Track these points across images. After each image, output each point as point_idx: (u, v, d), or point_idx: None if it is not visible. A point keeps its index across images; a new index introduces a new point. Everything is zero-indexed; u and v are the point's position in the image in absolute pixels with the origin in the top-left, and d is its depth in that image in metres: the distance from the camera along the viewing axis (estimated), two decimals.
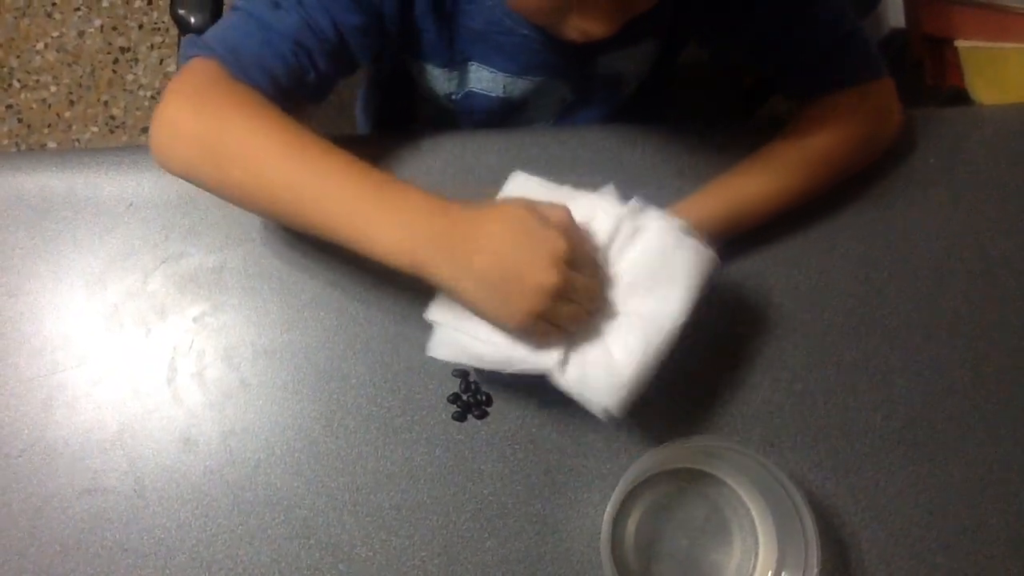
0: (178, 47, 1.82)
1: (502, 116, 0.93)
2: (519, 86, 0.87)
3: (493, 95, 0.88)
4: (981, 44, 1.27)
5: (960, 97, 1.26)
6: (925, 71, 1.31)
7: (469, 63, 0.85)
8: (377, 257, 0.65)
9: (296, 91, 0.73)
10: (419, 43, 0.83)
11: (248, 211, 0.73)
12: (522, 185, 0.73)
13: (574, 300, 0.64)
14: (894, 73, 0.86)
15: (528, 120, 0.96)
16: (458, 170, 0.85)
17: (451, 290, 0.65)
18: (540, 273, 0.62)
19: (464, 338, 0.68)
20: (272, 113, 0.68)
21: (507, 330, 0.66)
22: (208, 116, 0.68)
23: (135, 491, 0.75)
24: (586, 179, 0.85)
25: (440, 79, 0.88)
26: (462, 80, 0.88)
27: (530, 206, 0.64)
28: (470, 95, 0.90)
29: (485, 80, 0.87)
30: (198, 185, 0.71)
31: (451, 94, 0.90)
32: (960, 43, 1.27)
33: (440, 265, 0.63)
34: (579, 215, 0.67)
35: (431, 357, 0.78)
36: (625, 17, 0.68)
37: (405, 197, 0.65)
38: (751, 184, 0.82)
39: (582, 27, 0.69)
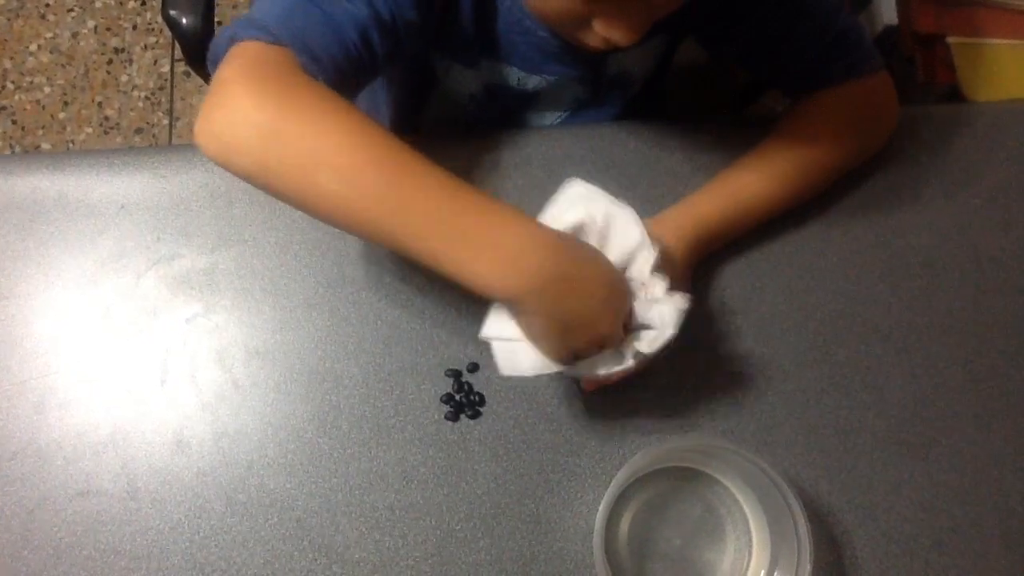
0: (173, 50, 1.81)
1: (514, 112, 0.93)
2: (532, 82, 0.87)
3: (505, 87, 0.89)
4: (973, 41, 1.27)
5: (953, 94, 1.26)
6: (917, 68, 1.31)
7: (492, 61, 0.86)
8: (470, 286, 0.61)
9: (353, 81, 0.69)
10: (454, 42, 0.83)
11: (322, 221, 0.65)
12: (579, 193, 0.71)
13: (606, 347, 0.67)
14: (886, 70, 0.86)
15: (540, 117, 0.96)
16: (455, 169, 0.85)
17: (535, 327, 0.64)
18: (606, 327, 0.65)
19: (528, 349, 0.67)
20: (363, 119, 0.62)
21: (544, 353, 0.66)
22: (290, 113, 0.60)
23: (128, 493, 0.75)
24: (582, 178, 0.86)
25: (466, 79, 0.88)
26: (483, 79, 0.88)
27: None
28: (487, 91, 0.90)
29: (499, 75, 0.87)
30: (263, 187, 0.63)
31: (471, 92, 0.90)
32: (952, 40, 1.27)
33: (535, 302, 0.62)
34: (625, 246, 0.69)
35: (424, 358, 0.79)
36: (647, 25, 0.68)
37: (506, 227, 0.61)
38: (751, 182, 0.82)
39: (605, 35, 0.68)
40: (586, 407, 0.79)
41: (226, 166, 0.62)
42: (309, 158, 0.60)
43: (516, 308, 0.64)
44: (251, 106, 0.60)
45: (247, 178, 0.63)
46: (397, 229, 0.61)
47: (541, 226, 0.63)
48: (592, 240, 0.69)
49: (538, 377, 0.69)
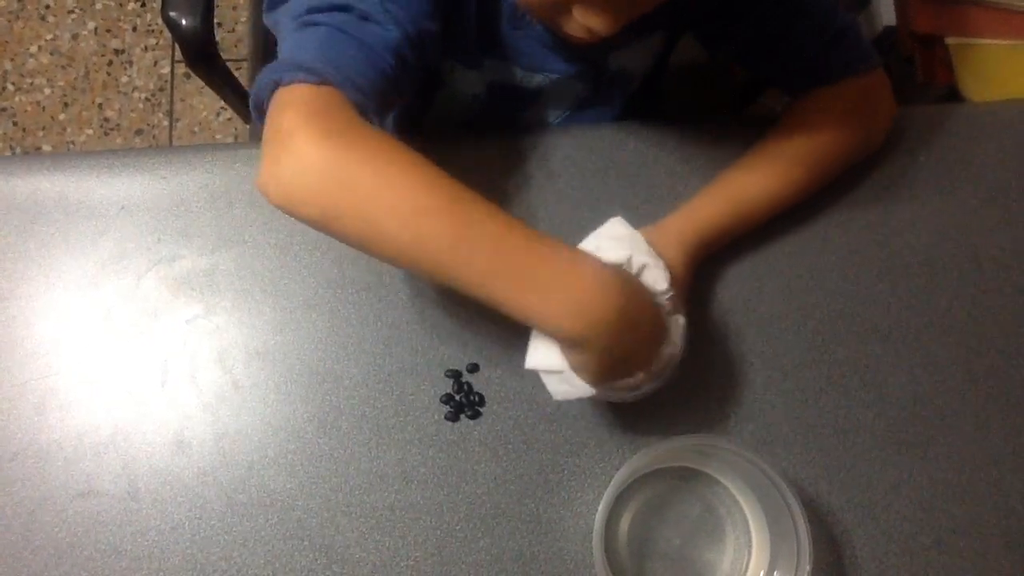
0: (173, 51, 1.82)
1: (517, 111, 0.94)
2: (535, 80, 0.88)
3: (508, 86, 0.89)
4: (972, 41, 1.27)
5: (951, 94, 1.26)
6: (916, 68, 1.31)
7: (489, 60, 0.86)
8: (541, 328, 0.65)
9: (393, 100, 0.70)
10: (458, 44, 0.83)
11: (387, 263, 0.69)
12: (622, 234, 0.73)
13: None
14: (885, 71, 0.87)
15: (541, 116, 0.96)
16: (453, 171, 0.85)
17: (586, 357, 0.65)
18: (645, 363, 0.68)
19: (570, 376, 0.68)
20: (425, 164, 0.62)
21: (583, 378, 0.67)
22: (355, 161, 0.60)
23: (129, 494, 0.75)
24: (580, 181, 0.86)
25: (467, 79, 0.88)
26: (485, 78, 0.88)
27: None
28: (489, 91, 0.90)
29: (503, 74, 0.87)
30: (327, 233, 0.63)
31: (474, 93, 0.90)
32: (951, 40, 1.27)
33: (599, 340, 0.63)
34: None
35: (424, 359, 0.79)
36: (628, 16, 0.67)
37: (573, 269, 0.63)
38: (753, 182, 0.82)
39: (584, 23, 0.68)
40: (586, 408, 0.79)
41: (292, 214, 0.62)
42: (375, 206, 0.60)
43: (581, 346, 0.64)
44: (317, 155, 0.60)
45: (313, 224, 0.63)
46: (463, 275, 0.62)
47: (604, 266, 0.66)
48: None
49: (538, 377, 0.69)
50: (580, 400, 0.77)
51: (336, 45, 0.65)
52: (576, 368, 0.66)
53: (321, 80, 0.63)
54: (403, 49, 0.67)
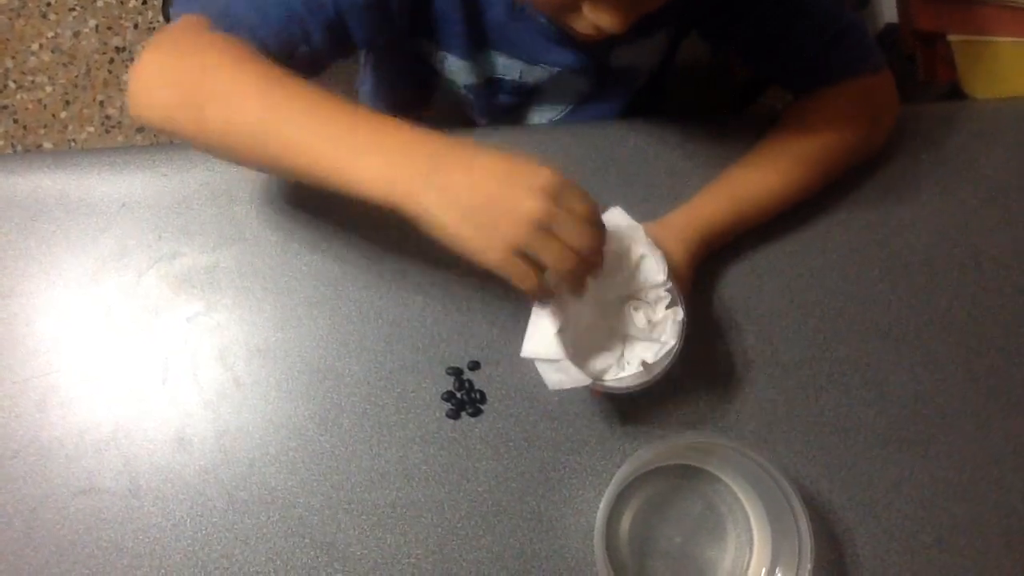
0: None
1: (516, 104, 0.93)
2: (535, 74, 0.87)
3: (508, 79, 0.89)
4: (974, 38, 1.27)
5: (953, 91, 1.26)
6: (918, 66, 1.31)
7: (488, 52, 0.86)
8: (358, 191, 0.62)
9: (285, 62, 0.69)
10: (442, 34, 0.83)
11: (228, 158, 0.70)
12: (622, 224, 0.73)
13: (560, 237, 0.60)
14: (888, 68, 0.87)
15: (543, 112, 0.96)
16: None
17: (434, 222, 0.60)
18: (524, 199, 0.59)
19: (568, 365, 0.67)
20: (249, 53, 0.67)
21: (490, 265, 0.61)
22: (187, 59, 0.67)
23: (130, 491, 0.75)
24: (581, 177, 0.85)
25: (461, 70, 0.88)
26: (481, 70, 0.88)
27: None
28: (488, 83, 0.90)
29: (502, 66, 0.87)
30: (177, 134, 0.68)
31: (470, 84, 0.90)
32: (953, 37, 1.27)
33: (423, 193, 0.60)
34: (648, 281, 0.72)
35: (425, 356, 0.79)
36: (637, 14, 0.67)
37: (385, 128, 0.63)
38: (755, 180, 0.82)
39: (594, 20, 0.68)
40: (587, 406, 0.79)
41: (144, 122, 0.69)
42: (196, 94, 0.66)
43: (415, 208, 0.61)
44: (149, 62, 0.68)
45: (161, 128, 0.69)
46: (288, 151, 0.64)
47: (419, 127, 0.63)
48: (621, 271, 0.72)
49: (539, 374, 0.69)
50: (581, 398, 0.78)
51: None
52: (454, 242, 0.61)
53: (200, 10, 0.69)
54: (298, 5, 0.70)
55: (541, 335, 0.67)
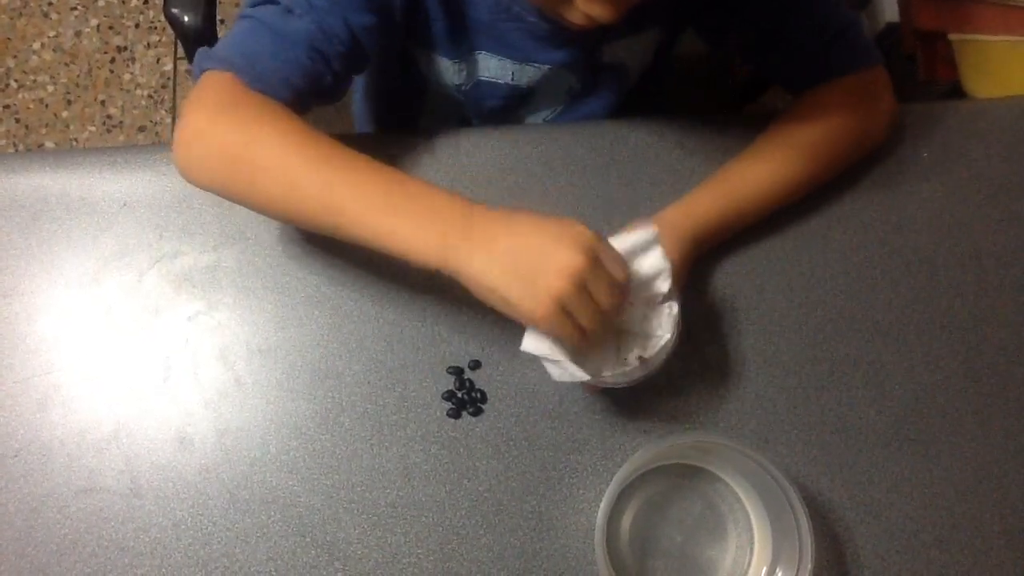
0: (175, 48, 1.82)
1: (509, 106, 0.93)
2: (527, 73, 0.87)
3: (501, 82, 0.89)
4: (974, 37, 1.27)
5: (954, 91, 1.26)
6: (918, 65, 1.31)
7: (477, 53, 0.86)
8: (408, 257, 0.65)
9: (314, 95, 0.74)
10: (429, 34, 0.83)
11: (277, 220, 0.76)
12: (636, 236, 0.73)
13: (595, 298, 0.63)
14: (888, 68, 0.86)
15: (535, 111, 0.96)
16: (452, 167, 0.85)
17: (480, 283, 0.63)
18: (566, 253, 0.62)
19: (565, 364, 0.68)
20: (295, 124, 0.70)
21: (536, 322, 0.64)
22: (234, 129, 0.69)
23: (131, 490, 0.75)
24: (580, 177, 0.86)
25: (449, 71, 0.88)
26: (471, 71, 0.88)
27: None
28: (479, 85, 0.90)
29: (493, 68, 0.87)
30: (226, 197, 0.73)
31: (460, 85, 0.90)
32: (953, 36, 1.27)
33: (470, 256, 0.63)
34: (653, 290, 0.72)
35: (426, 356, 0.79)
36: (628, 4, 0.67)
37: (432, 198, 0.66)
38: (751, 177, 0.82)
39: (586, 11, 0.68)
40: (587, 405, 0.79)
41: (194, 180, 0.72)
42: (250, 166, 0.69)
43: (463, 271, 0.64)
44: (200, 129, 0.70)
45: (214, 191, 0.73)
46: (340, 220, 0.67)
47: (462, 197, 0.66)
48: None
49: (541, 373, 0.70)
50: (582, 397, 0.78)
51: (254, 36, 0.72)
52: (498, 300, 0.63)
53: (227, 67, 0.71)
54: (318, 41, 0.72)
55: (540, 335, 0.67)
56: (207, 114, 0.70)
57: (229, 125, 0.69)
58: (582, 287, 0.62)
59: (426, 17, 0.81)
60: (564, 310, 0.62)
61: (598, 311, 0.64)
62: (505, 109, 0.94)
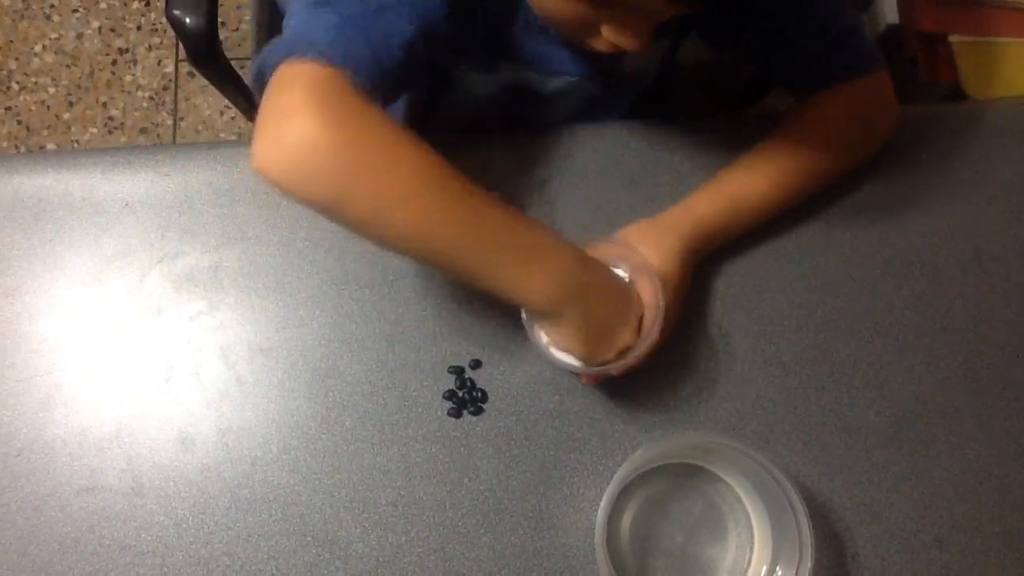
0: (177, 50, 1.82)
1: (530, 112, 0.94)
2: (552, 83, 0.87)
3: (528, 89, 0.89)
4: (975, 39, 1.27)
5: (955, 93, 1.26)
6: (919, 67, 1.31)
7: (505, 64, 0.85)
8: (522, 303, 0.69)
9: (395, 95, 0.72)
10: (461, 47, 0.82)
11: (388, 250, 0.70)
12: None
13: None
14: (889, 69, 0.87)
15: (556, 117, 0.96)
16: (462, 169, 0.85)
17: (566, 332, 0.70)
18: (626, 334, 0.72)
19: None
20: (429, 153, 0.63)
21: (581, 360, 0.72)
22: (366, 146, 0.62)
23: (133, 489, 0.75)
24: (584, 180, 0.86)
25: (479, 82, 0.88)
26: (501, 81, 0.88)
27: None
28: (503, 93, 0.90)
29: (522, 78, 0.87)
30: (331, 217, 0.65)
31: (487, 95, 0.90)
32: (954, 38, 1.27)
33: (570, 312, 0.69)
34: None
35: (427, 355, 0.80)
36: (653, 30, 0.69)
37: (553, 249, 0.68)
38: (752, 181, 0.82)
39: (615, 41, 0.69)
40: (588, 404, 0.79)
41: (295, 192, 0.62)
42: (383, 194, 0.62)
43: (558, 318, 0.69)
44: (329, 135, 0.60)
45: (317, 205, 0.63)
46: (459, 264, 0.66)
47: (576, 247, 0.70)
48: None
49: (541, 373, 0.73)
50: (583, 396, 0.78)
51: (348, 31, 0.64)
52: (567, 346, 0.72)
53: (330, 62, 0.62)
54: (415, 45, 0.67)
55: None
56: (327, 115, 0.60)
57: (358, 137, 0.61)
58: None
59: (473, 33, 0.79)
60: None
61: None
62: (524, 115, 0.94)
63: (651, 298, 0.73)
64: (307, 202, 0.63)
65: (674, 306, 0.77)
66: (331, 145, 0.60)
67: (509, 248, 0.66)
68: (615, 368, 0.73)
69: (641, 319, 0.74)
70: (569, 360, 0.73)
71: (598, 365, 0.73)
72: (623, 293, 0.73)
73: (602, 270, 0.73)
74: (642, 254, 0.76)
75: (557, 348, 0.73)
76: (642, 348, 0.72)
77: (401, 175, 0.62)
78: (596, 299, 0.70)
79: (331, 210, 0.64)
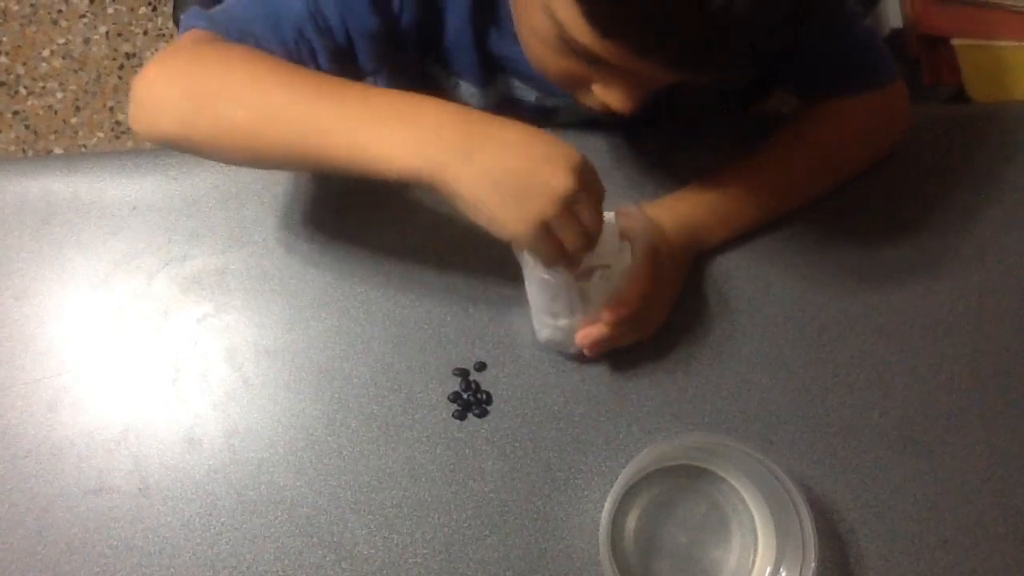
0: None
1: (533, 121, 0.94)
2: (552, 100, 0.87)
3: (526, 102, 0.88)
4: (978, 42, 1.28)
5: (958, 95, 1.27)
6: (922, 69, 1.31)
7: (502, 77, 0.86)
8: (391, 171, 0.61)
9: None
10: (453, 61, 0.83)
11: (246, 158, 0.68)
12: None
13: (581, 219, 0.62)
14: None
15: (558, 125, 0.96)
16: None
17: (468, 197, 0.60)
18: (559, 174, 0.59)
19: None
20: (259, 52, 0.68)
21: (519, 239, 0.62)
22: (197, 63, 0.67)
23: (140, 491, 0.76)
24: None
25: (475, 96, 0.87)
26: (496, 93, 0.88)
27: None
28: (502, 105, 0.89)
29: (517, 90, 0.87)
30: (190, 144, 0.67)
31: (482, 107, 0.89)
32: (957, 41, 1.28)
33: (458, 168, 0.59)
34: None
35: (432, 357, 0.80)
36: (645, 95, 0.67)
37: (414, 103, 0.62)
38: (760, 182, 0.83)
39: (605, 100, 0.67)
40: (592, 406, 0.79)
41: (154, 135, 0.67)
42: (219, 98, 0.65)
43: (449, 183, 0.60)
44: (162, 69, 0.67)
45: (175, 140, 0.68)
46: (315, 141, 0.62)
47: (449, 103, 0.62)
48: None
49: (546, 375, 0.72)
50: (587, 398, 0.78)
51: (248, 7, 0.71)
52: (482, 216, 0.61)
53: (211, 27, 0.70)
54: (306, 28, 0.71)
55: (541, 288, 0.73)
56: (170, 58, 0.68)
57: (197, 61, 0.66)
58: (569, 208, 0.60)
59: (451, 47, 0.80)
60: (548, 230, 0.61)
61: (583, 231, 0.63)
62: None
63: (637, 223, 0.73)
64: (166, 140, 0.67)
65: (671, 276, 0.78)
66: (163, 76, 0.67)
67: (364, 111, 0.62)
68: (589, 279, 0.71)
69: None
70: (550, 276, 0.68)
71: (548, 256, 0.64)
72: (540, 138, 0.61)
73: (504, 121, 0.62)
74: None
75: (527, 254, 0.67)
76: (620, 264, 0.72)
77: (233, 80, 0.65)
78: (496, 150, 0.60)
79: (183, 134, 0.66)
